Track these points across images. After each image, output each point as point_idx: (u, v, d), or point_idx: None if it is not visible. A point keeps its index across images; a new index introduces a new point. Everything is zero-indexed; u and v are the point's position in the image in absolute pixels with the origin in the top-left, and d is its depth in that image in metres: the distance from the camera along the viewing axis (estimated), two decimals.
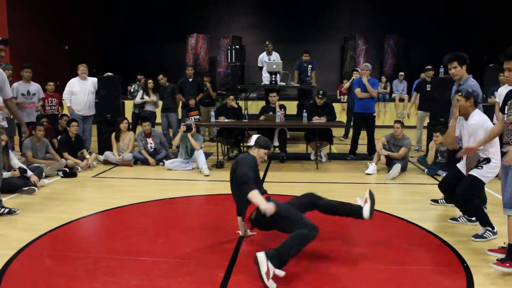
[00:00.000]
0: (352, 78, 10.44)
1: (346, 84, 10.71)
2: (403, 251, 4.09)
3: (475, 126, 4.30)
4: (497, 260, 3.61)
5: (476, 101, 4.38)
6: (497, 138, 4.23)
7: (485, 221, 4.36)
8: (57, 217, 4.96)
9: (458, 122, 4.63)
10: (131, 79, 11.43)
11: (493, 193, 5.65)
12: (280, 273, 3.36)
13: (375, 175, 7.24)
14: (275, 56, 11.10)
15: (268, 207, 3.62)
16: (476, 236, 4.36)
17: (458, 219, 4.86)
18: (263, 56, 11.17)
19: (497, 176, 6.77)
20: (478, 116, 4.34)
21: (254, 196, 3.74)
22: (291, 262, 3.57)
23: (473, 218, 4.76)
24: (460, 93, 4.37)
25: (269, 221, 3.76)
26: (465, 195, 4.35)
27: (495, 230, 4.35)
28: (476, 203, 4.44)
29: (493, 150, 4.27)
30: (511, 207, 3.53)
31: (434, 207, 5.40)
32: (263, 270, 3.31)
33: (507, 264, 3.53)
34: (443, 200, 5.49)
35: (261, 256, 3.35)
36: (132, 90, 9.85)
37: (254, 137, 4.20)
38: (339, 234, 4.55)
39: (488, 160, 4.27)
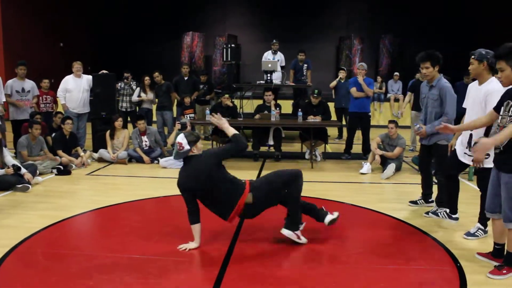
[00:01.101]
0: (338, 77, 10.33)
1: (333, 82, 10.55)
2: (397, 250, 4.10)
3: (490, 92, 4.04)
4: (494, 267, 3.61)
5: (491, 64, 4.13)
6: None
7: (484, 218, 4.37)
8: (51, 215, 4.94)
9: (468, 90, 4.47)
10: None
11: None
12: (301, 227, 4.19)
13: (370, 175, 7.26)
14: (280, 55, 11.09)
15: None
16: (468, 234, 4.39)
17: (439, 213, 4.92)
18: (267, 54, 11.15)
19: None
20: (498, 84, 3.90)
21: None
22: (286, 262, 3.59)
23: (454, 216, 4.81)
24: (473, 56, 4.21)
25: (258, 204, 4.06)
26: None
27: (486, 229, 4.37)
28: None
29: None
30: (510, 221, 3.48)
31: (428, 208, 5.40)
32: (294, 238, 4.11)
33: (504, 271, 3.53)
34: (422, 200, 5.52)
35: (285, 231, 4.10)
36: (118, 88, 9.79)
37: (184, 141, 3.92)
38: (333, 233, 4.56)
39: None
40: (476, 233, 4.37)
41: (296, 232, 4.13)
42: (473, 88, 4.43)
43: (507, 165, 3.42)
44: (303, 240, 4.16)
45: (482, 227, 4.38)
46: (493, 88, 4.06)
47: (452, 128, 4.04)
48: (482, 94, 4.17)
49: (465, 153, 4.43)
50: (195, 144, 3.97)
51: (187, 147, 3.92)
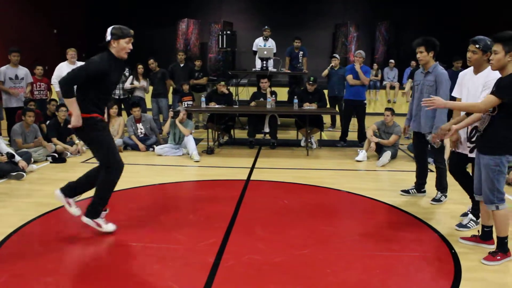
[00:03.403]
0: (330, 65, 10.12)
1: (325, 71, 10.38)
2: (392, 237, 4.12)
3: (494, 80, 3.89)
4: (488, 253, 3.64)
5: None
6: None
7: (476, 209, 4.37)
8: (45, 202, 4.92)
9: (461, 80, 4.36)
10: None
11: None
12: (103, 215, 4.11)
13: (365, 162, 7.28)
14: (271, 42, 11.01)
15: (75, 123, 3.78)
16: (460, 225, 4.36)
17: (468, 224, 4.39)
18: (259, 41, 11.06)
19: None
20: (496, 73, 3.81)
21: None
22: (281, 249, 3.59)
23: (479, 220, 4.35)
24: (478, 46, 4.02)
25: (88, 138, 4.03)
26: None
27: (478, 221, 4.33)
28: None
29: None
30: (491, 203, 3.52)
31: (420, 197, 5.41)
32: (94, 226, 4.00)
33: (498, 257, 3.57)
34: (414, 189, 5.49)
35: (84, 219, 4.00)
36: None
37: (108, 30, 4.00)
38: (329, 220, 4.57)
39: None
40: (468, 225, 4.34)
41: (95, 220, 4.02)
42: (467, 76, 4.29)
43: (486, 147, 3.52)
44: (105, 228, 4.04)
45: (474, 219, 4.35)
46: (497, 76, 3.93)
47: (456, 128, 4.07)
48: (489, 82, 3.91)
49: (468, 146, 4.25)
50: (118, 40, 4.03)
51: (108, 38, 4.00)
